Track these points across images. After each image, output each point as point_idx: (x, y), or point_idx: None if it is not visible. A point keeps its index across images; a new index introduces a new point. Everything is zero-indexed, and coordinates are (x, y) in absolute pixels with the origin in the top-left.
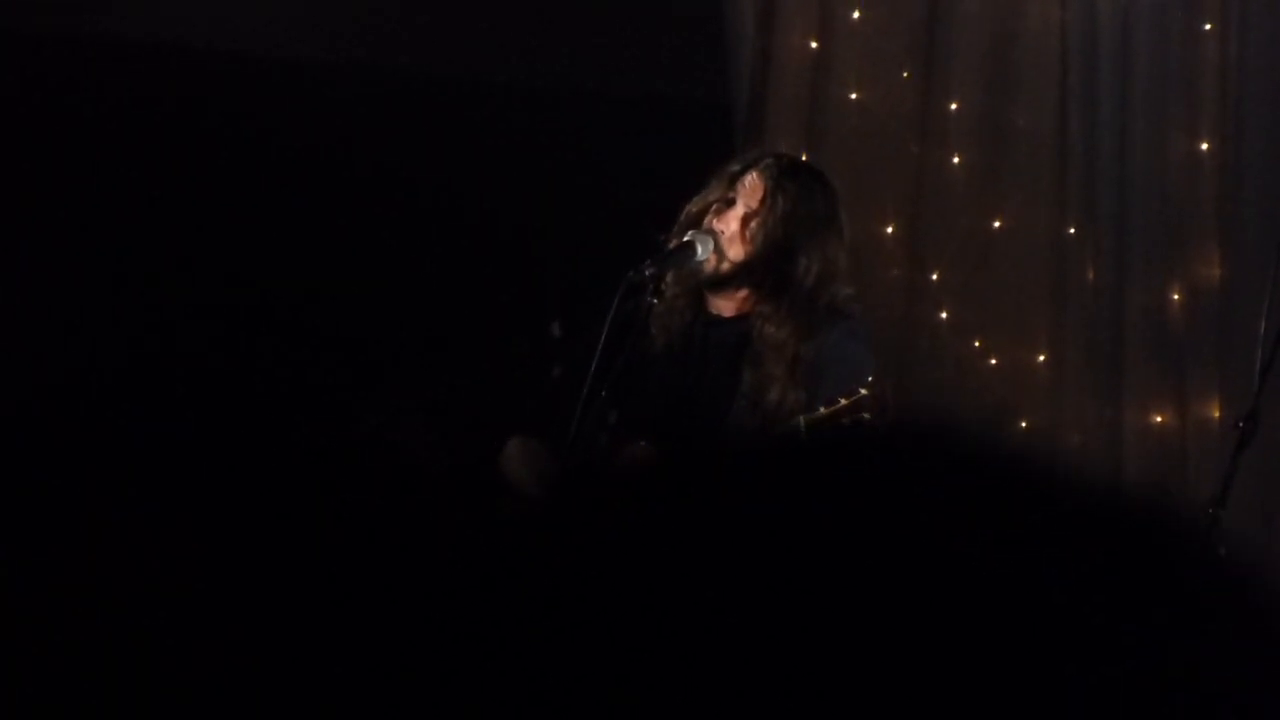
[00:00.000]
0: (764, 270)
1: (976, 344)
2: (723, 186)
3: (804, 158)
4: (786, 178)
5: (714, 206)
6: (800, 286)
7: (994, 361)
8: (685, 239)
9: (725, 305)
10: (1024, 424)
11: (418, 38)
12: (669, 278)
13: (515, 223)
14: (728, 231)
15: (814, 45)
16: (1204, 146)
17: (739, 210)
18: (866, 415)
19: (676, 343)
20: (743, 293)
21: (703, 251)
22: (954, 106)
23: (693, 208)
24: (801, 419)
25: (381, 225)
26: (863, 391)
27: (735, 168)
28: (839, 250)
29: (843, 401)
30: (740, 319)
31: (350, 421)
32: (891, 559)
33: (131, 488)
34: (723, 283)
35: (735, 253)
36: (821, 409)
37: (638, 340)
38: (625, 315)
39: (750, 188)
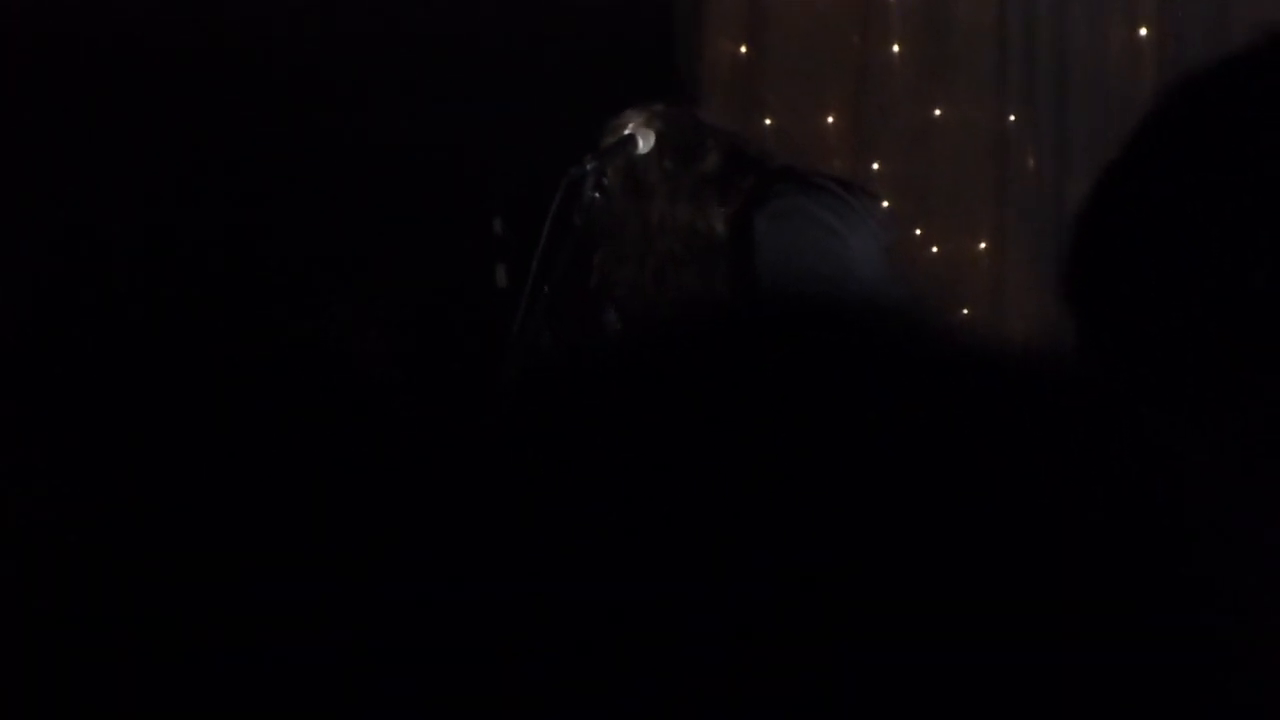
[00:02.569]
0: None
1: (918, 232)
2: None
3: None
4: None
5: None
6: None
7: (935, 250)
8: (626, 132)
9: None
10: (965, 312)
11: None
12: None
13: (457, 131)
14: None
15: None
16: (1143, 33)
17: None
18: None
19: None
20: None
21: (644, 145)
22: None
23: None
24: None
25: (328, 139)
26: None
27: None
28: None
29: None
30: None
31: (308, 327)
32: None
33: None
34: None
35: None
36: None
37: (581, 236)
38: (568, 211)
39: None
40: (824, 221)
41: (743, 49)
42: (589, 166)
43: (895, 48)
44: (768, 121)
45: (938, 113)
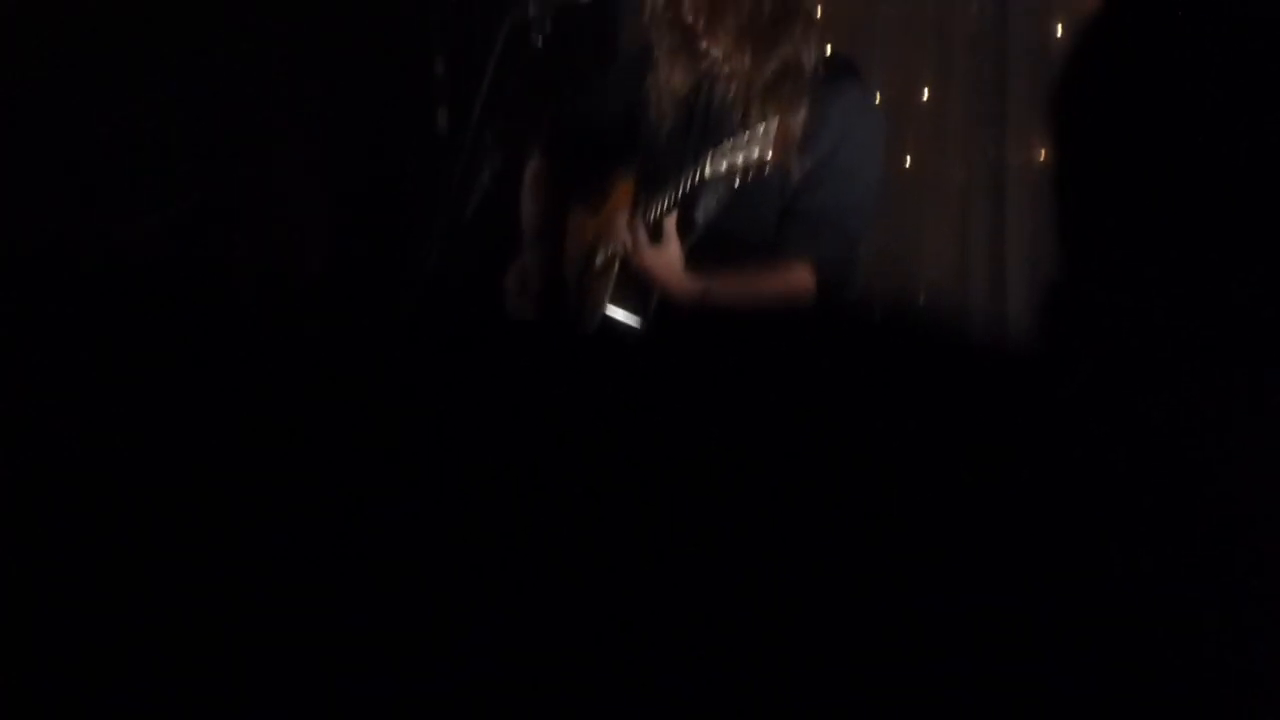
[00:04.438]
0: None
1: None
2: None
3: None
4: None
5: None
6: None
7: (878, 98)
8: None
9: None
10: (908, 161)
11: None
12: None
13: None
14: None
15: None
16: None
17: None
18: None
19: None
20: None
21: None
22: None
23: None
24: None
25: None
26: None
27: None
28: None
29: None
30: None
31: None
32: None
33: None
34: None
35: None
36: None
37: (524, 79)
38: (511, 56)
39: None
40: (870, 105)
41: None
42: (532, 12)
43: None
44: None
45: None
